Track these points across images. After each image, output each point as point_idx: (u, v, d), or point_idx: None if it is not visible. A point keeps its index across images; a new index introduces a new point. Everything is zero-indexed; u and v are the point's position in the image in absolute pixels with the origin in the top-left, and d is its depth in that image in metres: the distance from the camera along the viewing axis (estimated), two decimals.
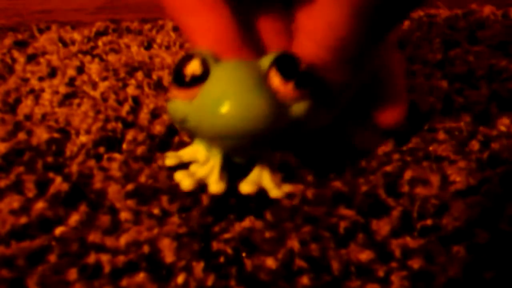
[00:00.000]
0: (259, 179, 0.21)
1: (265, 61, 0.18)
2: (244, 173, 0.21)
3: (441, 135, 0.24)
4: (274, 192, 0.21)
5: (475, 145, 0.23)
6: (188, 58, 0.19)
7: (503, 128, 0.25)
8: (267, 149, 0.21)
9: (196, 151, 0.23)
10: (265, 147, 0.21)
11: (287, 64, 0.18)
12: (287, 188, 0.21)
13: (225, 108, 0.17)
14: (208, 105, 0.18)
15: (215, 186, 0.20)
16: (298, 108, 0.18)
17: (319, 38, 0.18)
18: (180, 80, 0.18)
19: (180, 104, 0.19)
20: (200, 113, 0.18)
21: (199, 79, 0.18)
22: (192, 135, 0.23)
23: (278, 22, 0.21)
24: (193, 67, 0.18)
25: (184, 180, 0.21)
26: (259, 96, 0.17)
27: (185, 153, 0.23)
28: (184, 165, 0.22)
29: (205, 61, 0.18)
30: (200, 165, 0.22)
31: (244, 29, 0.20)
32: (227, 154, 0.21)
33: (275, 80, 0.18)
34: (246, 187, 0.20)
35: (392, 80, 0.23)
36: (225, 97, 0.17)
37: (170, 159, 0.23)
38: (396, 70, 0.23)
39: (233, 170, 0.21)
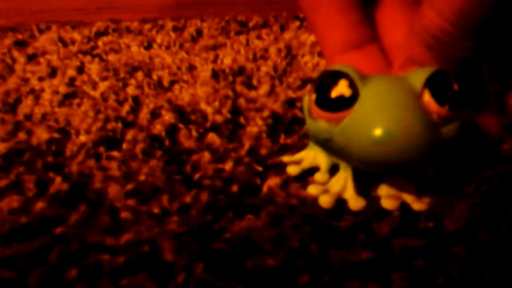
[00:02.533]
0: (398, 193, 0.20)
1: (416, 78, 0.17)
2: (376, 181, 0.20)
3: None
4: (417, 205, 0.20)
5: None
6: (333, 77, 0.17)
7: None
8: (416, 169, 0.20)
9: (315, 156, 0.22)
10: (417, 168, 0.20)
11: (441, 85, 0.17)
12: (427, 199, 0.20)
13: (378, 132, 0.16)
14: (359, 128, 0.17)
15: (355, 202, 0.20)
16: (451, 128, 0.18)
17: (442, 8, 0.17)
18: (326, 102, 0.17)
19: (324, 125, 0.18)
20: (349, 136, 0.17)
21: (348, 103, 0.17)
22: (335, 155, 0.21)
23: (397, 12, 0.21)
24: (341, 89, 0.17)
25: (323, 198, 0.20)
26: (416, 120, 0.16)
27: (304, 159, 0.22)
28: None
29: (353, 82, 0.17)
30: (323, 173, 0.21)
31: (368, 25, 0.20)
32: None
33: (429, 101, 0.17)
34: (387, 203, 0.20)
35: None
36: (378, 120, 0.16)
37: (292, 168, 0.22)
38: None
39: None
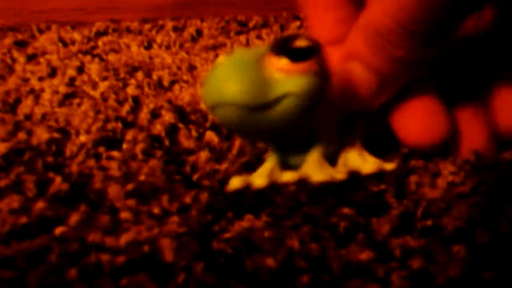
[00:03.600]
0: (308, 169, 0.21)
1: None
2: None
3: None
4: (367, 166, 0.21)
5: None
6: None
7: None
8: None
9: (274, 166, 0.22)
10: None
11: (283, 42, 0.19)
12: (374, 161, 0.21)
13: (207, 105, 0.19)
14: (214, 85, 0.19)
15: (258, 180, 0.21)
16: (295, 82, 0.19)
17: (386, 5, 0.18)
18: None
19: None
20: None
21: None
22: None
23: None
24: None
25: (233, 180, 0.21)
26: (242, 78, 0.18)
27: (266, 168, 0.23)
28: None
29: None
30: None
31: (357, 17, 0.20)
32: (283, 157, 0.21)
33: (269, 59, 0.19)
34: (288, 175, 0.21)
35: None
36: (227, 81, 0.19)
37: (258, 179, 0.22)
38: None
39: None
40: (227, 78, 0.19)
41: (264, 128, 0.20)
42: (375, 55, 0.19)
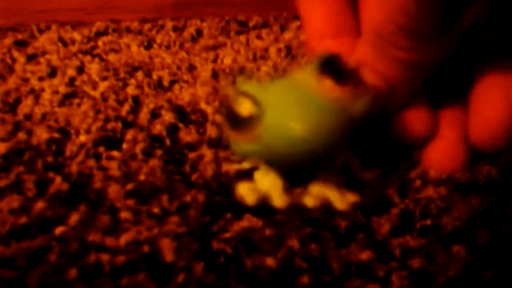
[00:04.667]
0: (322, 191, 0.20)
1: (308, 71, 0.18)
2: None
3: None
4: (340, 204, 0.20)
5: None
6: (233, 100, 0.18)
7: None
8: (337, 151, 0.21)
9: (268, 178, 0.22)
10: (338, 151, 0.20)
11: (332, 67, 0.18)
12: (352, 197, 0.20)
13: (298, 127, 0.17)
14: (280, 131, 0.18)
15: (279, 200, 0.20)
16: (357, 105, 0.18)
17: (386, 8, 0.18)
18: (237, 122, 0.18)
19: (245, 145, 0.19)
20: (271, 146, 0.18)
21: (257, 118, 0.18)
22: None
23: None
24: (245, 107, 0.18)
25: (248, 196, 0.20)
26: (316, 109, 0.18)
27: (259, 183, 0.22)
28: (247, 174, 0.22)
29: (255, 98, 0.18)
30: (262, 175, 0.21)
31: (352, 15, 0.20)
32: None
33: (325, 86, 0.18)
34: (309, 200, 0.20)
35: None
36: (293, 118, 0.17)
37: (249, 196, 0.21)
38: None
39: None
40: (291, 116, 0.18)
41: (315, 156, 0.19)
42: (381, 59, 0.19)
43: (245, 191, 0.21)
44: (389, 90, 0.20)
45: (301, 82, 0.18)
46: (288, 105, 0.18)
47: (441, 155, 0.21)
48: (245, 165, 0.22)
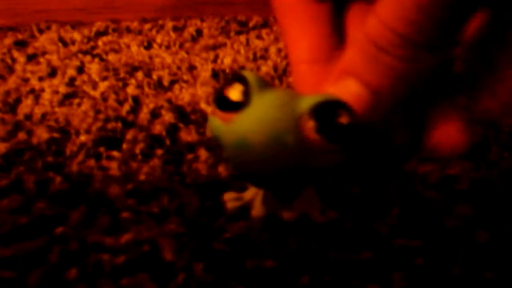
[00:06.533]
0: (302, 205, 0.20)
1: (307, 101, 0.18)
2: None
3: None
4: (319, 217, 0.20)
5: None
6: (233, 80, 0.18)
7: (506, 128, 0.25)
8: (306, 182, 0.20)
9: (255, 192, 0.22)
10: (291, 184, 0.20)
11: (325, 114, 0.17)
12: (331, 213, 0.20)
13: (247, 144, 0.17)
14: (237, 134, 0.18)
15: (256, 210, 0.20)
16: (327, 158, 0.18)
17: (384, 17, 0.17)
18: (220, 101, 0.18)
19: (217, 122, 0.19)
20: (229, 138, 0.18)
21: (237, 107, 0.18)
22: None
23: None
24: (235, 93, 0.18)
25: (230, 203, 0.21)
26: (282, 142, 0.17)
27: (245, 196, 0.22)
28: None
29: (248, 88, 0.18)
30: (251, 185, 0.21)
31: (338, 38, 0.20)
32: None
33: (308, 127, 0.17)
34: (287, 214, 0.20)
35: None
36: (252, 133, 0.17)
37: (231, 203, 0.22)
38: None
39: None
40: (271, 144, 0.17)
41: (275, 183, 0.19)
42: (371, 69, 0.19)
43: (228, 198, 0.21)
44: (373, 100, 0.20)
45: (291, 104, 0.18)
46: (265, 114, 0.17)
47: (447, 138, 0.21)
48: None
